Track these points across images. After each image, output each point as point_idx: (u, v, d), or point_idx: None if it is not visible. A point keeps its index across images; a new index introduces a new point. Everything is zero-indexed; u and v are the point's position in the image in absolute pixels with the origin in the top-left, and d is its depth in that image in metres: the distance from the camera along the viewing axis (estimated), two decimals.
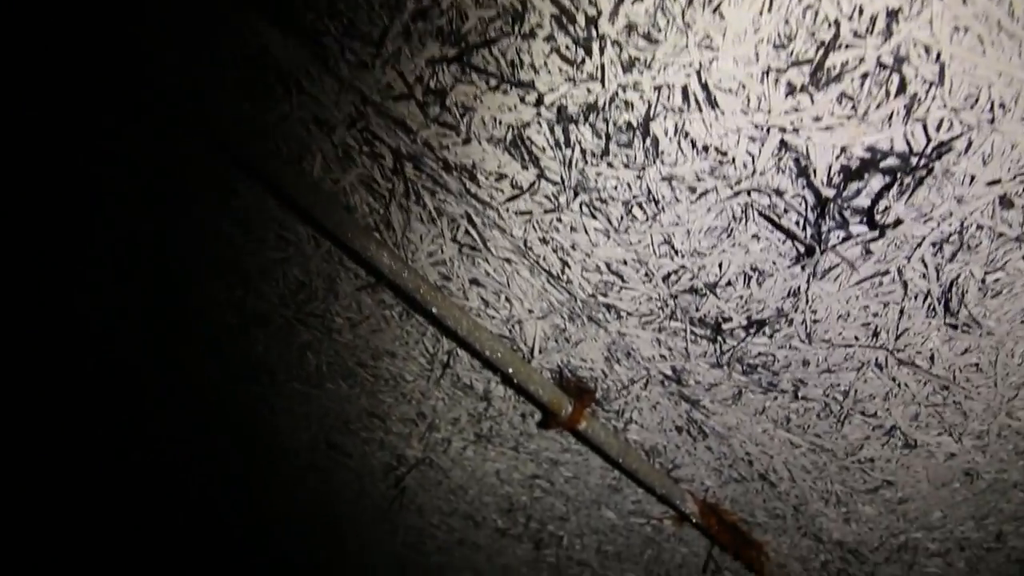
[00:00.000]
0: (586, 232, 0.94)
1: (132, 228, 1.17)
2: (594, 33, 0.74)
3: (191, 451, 1.71)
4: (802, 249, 0.88)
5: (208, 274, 1.21)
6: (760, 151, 0.80)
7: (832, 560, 1.51)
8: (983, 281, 0.89)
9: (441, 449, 1.48)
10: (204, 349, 1.40)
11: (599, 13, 0.72)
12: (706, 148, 0.81)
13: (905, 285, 0.91)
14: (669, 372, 1.12)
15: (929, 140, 0.75)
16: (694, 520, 1.38)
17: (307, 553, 2.06)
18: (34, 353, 1.50)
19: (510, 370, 1.11)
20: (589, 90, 0.78)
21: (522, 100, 0.82)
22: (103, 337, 1.42)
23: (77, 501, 1.99)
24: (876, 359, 1.02)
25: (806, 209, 0.84)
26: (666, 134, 0.81)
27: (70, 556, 2.28)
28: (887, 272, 0.89)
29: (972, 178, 0.78)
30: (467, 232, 0.99)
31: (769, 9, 0.69)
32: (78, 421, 1.67)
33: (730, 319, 1.00)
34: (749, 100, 0.76)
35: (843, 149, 0.78)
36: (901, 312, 0.95)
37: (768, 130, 0.78)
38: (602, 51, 0.75)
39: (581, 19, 0.73)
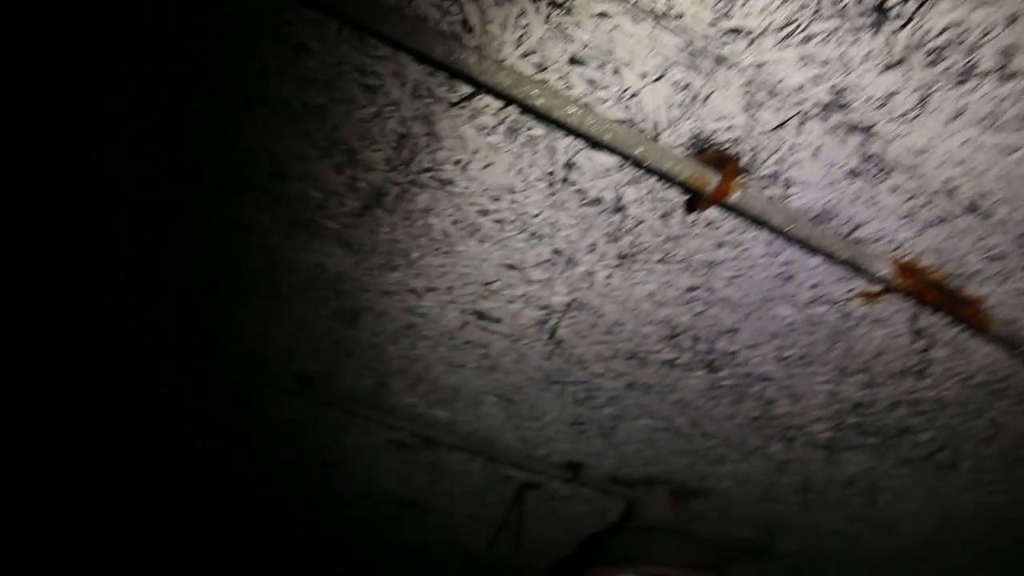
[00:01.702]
0: None
1: (237, 134, 1.19)
2: None
3: (343, 352, 1.83)
4: None
5: (313, 157, 1.22)
6: None
7: None
8: None
9: (585, 285, 1.43)
10: (336, 243, 1.45)
11: None
12: None
13: None
14: (827, 98, 0.94)
15: None
16: (891, 284, 1.20)
17: (486, 432, 2.18)
18: (114, 251, 1.65)
19: (638, 151, 0.99)
20: None
21: None
22: (235, 245, 1.52)
23: (171, 392, 2.25)
24: None
25: None
26: None
27: (148, 453, 2.62)
28: None
29: None
30: None
31: None
32: (194, 325, 1.85)
33: None
34: None
35: None
36: None
37: None
38: None
39: None
